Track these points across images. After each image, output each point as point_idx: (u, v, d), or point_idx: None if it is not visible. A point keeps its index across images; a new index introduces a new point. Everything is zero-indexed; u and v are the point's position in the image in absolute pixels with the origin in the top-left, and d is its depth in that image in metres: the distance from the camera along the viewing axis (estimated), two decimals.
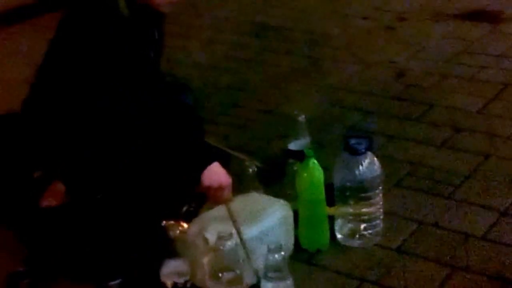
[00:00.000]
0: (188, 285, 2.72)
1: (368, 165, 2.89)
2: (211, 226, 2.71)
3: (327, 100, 4.26)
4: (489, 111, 3.98)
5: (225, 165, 2.87)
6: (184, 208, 2.88)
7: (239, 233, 2.68)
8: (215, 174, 2.77)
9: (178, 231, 2.77)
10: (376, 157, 2.97)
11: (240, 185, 3.01)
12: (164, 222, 2.79)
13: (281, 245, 2.51)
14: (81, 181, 2.88)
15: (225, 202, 2.78)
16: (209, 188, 2.77)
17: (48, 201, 3.04)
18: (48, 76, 2.87)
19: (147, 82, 2.92)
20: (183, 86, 3.34)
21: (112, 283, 2.73)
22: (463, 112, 3.98)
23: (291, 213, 2.90)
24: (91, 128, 2.78)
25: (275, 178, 3.26)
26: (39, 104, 2.90)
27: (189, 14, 5.78)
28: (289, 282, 2.54)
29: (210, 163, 2.77)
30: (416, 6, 5.59)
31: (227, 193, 2.80)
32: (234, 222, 2.71)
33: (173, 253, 2.73)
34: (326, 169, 2.93)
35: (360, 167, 2.88)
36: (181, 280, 2.71)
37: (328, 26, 5.41)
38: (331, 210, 2.99)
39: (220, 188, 2.77)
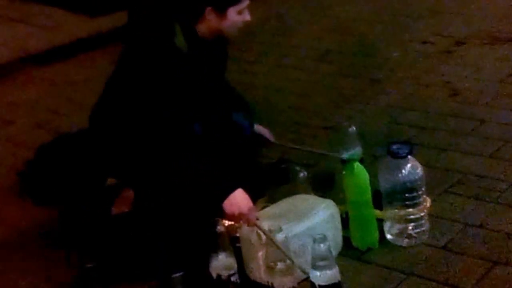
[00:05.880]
0: (233, 279, 2.90)
1: (410, 168, 3.05)
2: (263, 223, 2.90)
3: (384, 118, 4.42)
4: None
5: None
6: None
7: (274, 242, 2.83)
8: (235, 204, 2.91)
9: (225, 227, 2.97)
10: (426, 167, 3.15)
11: (292, 189, 3.23)
12: (219, 221, 2.96)
13: (325, 235, 2.67)
14: (148, 187, 3.11)
15: (251, 224, 2.92)
16: (231, 215, 2.94)
17: (119, 208, 3.31)
18: (114, 92, 3.17)
19: (203, 100, 3.20)
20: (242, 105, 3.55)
21: (175, 275, 2.92)
22: None
23: (337, 211, 3.07)
24: (151, 139, 3.01)
25: (325, 187, 3.41)
26: (106, 116, 3.19)
27: (257, 42, 6.04)
28: (336, 270, 2.69)
29: (232, 191, 2.93)
30: (473, 32, 5.67)
31: (252, 217, 2.92)
32: (270, 238, 2.84)
33: (223, 248, 2.91)
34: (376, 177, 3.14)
35: (403, 170, 3.04)
36: (225, 273, 2.89)
37: (388, 50, 5.56)
38: (379, 214, 3.16)
39: (242, 214, 2.92)
